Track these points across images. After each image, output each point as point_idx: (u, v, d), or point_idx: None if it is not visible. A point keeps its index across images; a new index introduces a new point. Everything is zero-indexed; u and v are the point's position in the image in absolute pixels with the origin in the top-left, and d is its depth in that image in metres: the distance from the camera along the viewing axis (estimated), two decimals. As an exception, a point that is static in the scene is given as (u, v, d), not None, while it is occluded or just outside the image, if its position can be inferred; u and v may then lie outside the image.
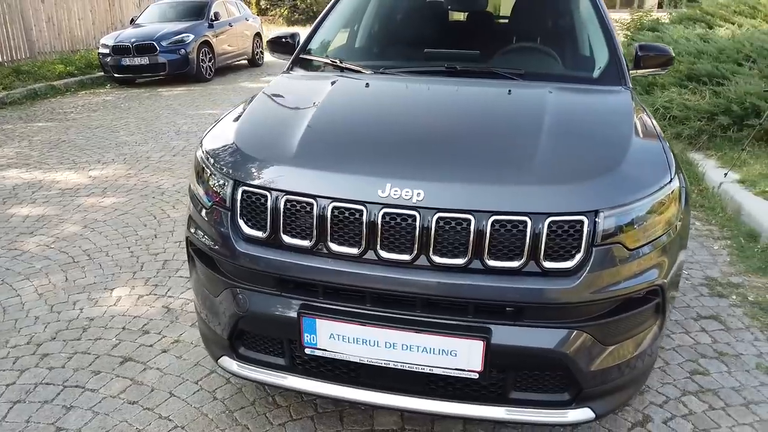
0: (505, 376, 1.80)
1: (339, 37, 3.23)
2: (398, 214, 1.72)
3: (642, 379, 2.00)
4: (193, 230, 2.09)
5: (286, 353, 1.97)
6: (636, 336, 1.84)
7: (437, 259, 1.71)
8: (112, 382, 2.51)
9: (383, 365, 1.79)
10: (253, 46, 13.99)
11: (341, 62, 2.80)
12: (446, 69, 2.66)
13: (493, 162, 1.87)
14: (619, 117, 2.20)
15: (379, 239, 1.73)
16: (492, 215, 1.68)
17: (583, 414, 1.85)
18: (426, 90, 2.51)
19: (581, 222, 1.68)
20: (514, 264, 1.69)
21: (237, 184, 1.90)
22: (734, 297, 3.26)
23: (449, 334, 1.71)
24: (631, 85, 2.61)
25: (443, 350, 1.73)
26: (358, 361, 1.81)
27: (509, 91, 2.39)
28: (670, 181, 1.87)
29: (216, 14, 12.46)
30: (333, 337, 1.79)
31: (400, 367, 1.78)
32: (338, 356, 1.82)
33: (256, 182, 1.87)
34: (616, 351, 1.81)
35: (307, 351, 1.85)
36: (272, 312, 1.87)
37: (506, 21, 3.34)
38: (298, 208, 1.81)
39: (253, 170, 1.91)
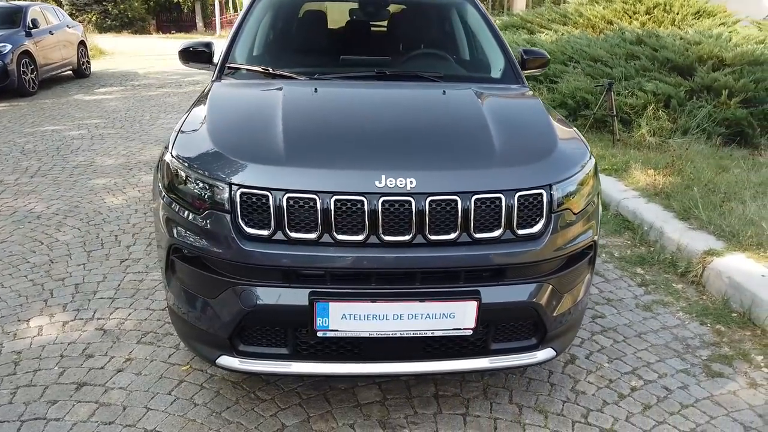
0: (488, 330, 2.13)
1: (251, 46, 3.34)
2: (396, 201, 1.97)
3: (580, 320, 2.46)
4: (180, 237, 2.12)
5: (289, 342, 2.11)
6: (578, 284, 2.29)
7: (432, 237, 1.99)
8: (76, 408, 2.41)
9: (390, 336, 2.02)
10: (78, 56, 12.92)
11: (273, 70, 2.94)
12: (376, 73, 2.94)
13: (465, 151, 2.19)
14: (536, 109, 2.65)
15: (380, 225, 1.96)
16: (474, 195, 2.00)
17: (547, 353, 2.25)
18: (373, 92, 2.77)
19: (541, 194, 2.07)
20: (495, 234, 2.03)
21: (234, 186, 2.00)
22: (604, 255, 3.96)
23: (447, 299, 2.00)
24: (527, 84, 3.11)
25: (443, 314, 2.01)
26: (367, 335, 2.02)
27: (444, 91, 2.73)
28: (590, 158, 2.34)
29: (34, 21, 11.32)
30: (345, 317, 1.98)
31: (406, 335, 2.03)
32: (349, 334, 2.01)
33: (254, 184, 1.99)
34: (568, 297, 2.24)
35: (319, 334, 2.01)
36: (282, 302, 2.01)
37: (407, 29, 3.68)
38: (301, 204, 1.97)
39: (248, 173, 2.02)
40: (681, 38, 6.81)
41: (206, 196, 2.05)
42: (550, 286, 2.14)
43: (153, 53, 20.30)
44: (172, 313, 2.33)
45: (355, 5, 3.73)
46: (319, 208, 1.96)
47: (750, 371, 2.72)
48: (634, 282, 3.61)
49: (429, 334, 2.04)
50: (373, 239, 1.98)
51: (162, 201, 2.24)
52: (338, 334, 2.02)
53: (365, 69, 3.04)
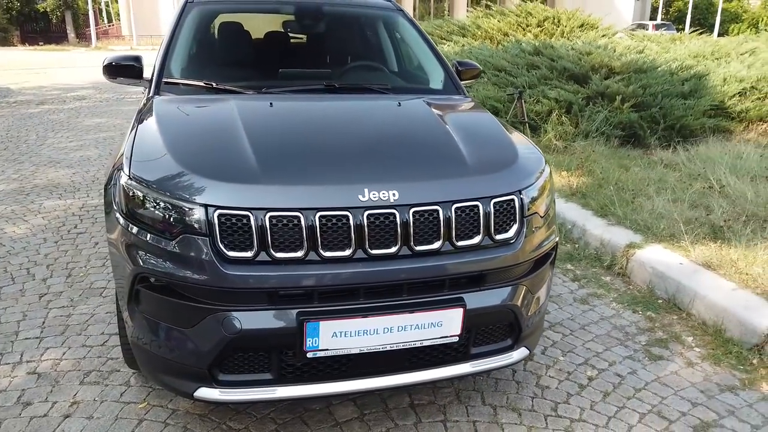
0: (469, 336, 2.18)
1: (184, 60, 3.19)
2: (381, 214, 1.96)
3: (543, 318, 2.57)
4: (148, 265, 1.98)
5: (272, 366, 2.03)
6: (544, 284, 2.40)
7: (417, 248, 2.01)
8: (25, 464, 2.17)
9: (380, 350, 2.01)
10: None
11: (217, 84, 2.83)
12: (326, 86, 2.91)
13: (438, 161, 2.23)
14: (489, 118, 2.75)
15: (366, 238, 1.95)
16: (453, 203, 2.05)
17: (522, 353, 2.33)
18: (330, 105, 2.73)
19: (513, 200, 2.16)
20: (475, 240, 2.08)
21: (209, 208, 1.90)
22: (535, 255, 4.17)
23: (435, 309, 2.02)
24: (468, 94, 3.22)
25: (432, 323, 2.02)
26: (358, 351, 1.99)
27: (399, 103, 2.76)
28: (546, 164, 2.47)
29: None
30: (335, 335, 1.94)
31: (396, 348, 2.02)
32: (340, 352, 1.97)
33: (232, 204, 1.90)
34: (537, 297, 2.34)
35: (309, 355, 1.96)
36: (268, 326, 1.93)
37: (342, 41, 3.68)
38: (285, 222, 1.91)
39: (224, 193, 1.93)
40: (572, 48, 7.35)
41: (177, 220, 1.93)
42: (525, 288, 2.22)
43: (23, 67, 18.73)
44: (137, 347, 2.16)
45: (290, 17, 3.68)
46: (303, 225, 1.91)
47: (685, 352, 2.98)
48: (567, 277, 3.83)
49: (418, 344, 2.05)
50: (359, 254, 1.96)
51: (120, 227, 2.08)
52: (328, 353, 1.97)
53: (310, 82, 3.00)
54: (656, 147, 6.25)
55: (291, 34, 3.68)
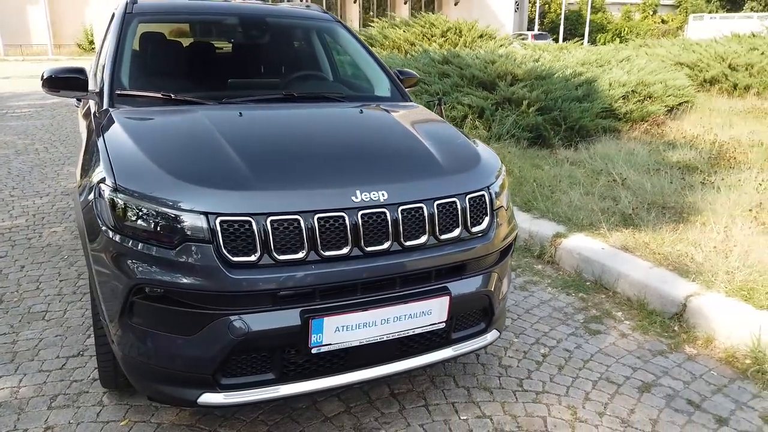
0: (451, 322, 2.36)
1: (130, 71, 3.13)
2: (373, 213, 2.10)
3: (506, 303, 2.82)
4: (146, 275, 1.98)
5: (274, 365, 2.10)
6: (508, 271, 2.64)
7: (407, 243, 2.16)
8: (11, 494, 2.07)
9: (378, 340, 2.14)
10: None
11: (175, 96, 2.82)
12: (284, 95, 3.00)
13: (414, 162, 2.40)
14: (443, 123, 2.97)
15: (361, 236, 2.08)
16: (435, 200, 2.23)
17: (494, 335, 2.56)
18: (297, 113, 2.82)
19: (484, 195, 2.38)
20: (455, 234, 2.27)
21: (210, 216, 1.95)
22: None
23: (425, 298, 2.19)
24: (413, 100, 3.43)
25: (422, 312, 2.19)
26: (358, 344, 2.11)
27: (361, 110, 2.90)
28: (501, 163, 2.72)
29: None
30: (338, 329, 2.05)
31: (390, 338, 2.16)
32: (342, 346, 2.09)
33: (234, 211, 1.96)
34: (504, 283, 2.57)
35: (314, 350, 2.05)
36: (274, 326, 2.00)
37: (284, 51, 3.75)
38: (285, 225, 2.00)
39: (223, 201, 1.98)
40: (477, 57, 7.84)
41: (176, 229, 1.96)
42: (496, 274, 2.45)
43: None
44: (129, 362, 2.13)
45: (235, 29, 3.70)
46: (303, 227, 2.01)
47: (617, 325, 3.35)
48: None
49: (410, 332, 2.20)
50: (355, 251, 2.09)
51: (107, 241, 2.06)
52: (331, 348, 2.08)
53: (265, 92, 3.07)
54: (559, 147, 6.83)
55: (234, 45, 3.71)
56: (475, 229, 2.33)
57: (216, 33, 3.76)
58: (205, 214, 1.95)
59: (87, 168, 2.40)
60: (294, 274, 2.00)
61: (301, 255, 2.01)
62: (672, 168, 5.82)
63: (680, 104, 9.33)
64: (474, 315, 2.48)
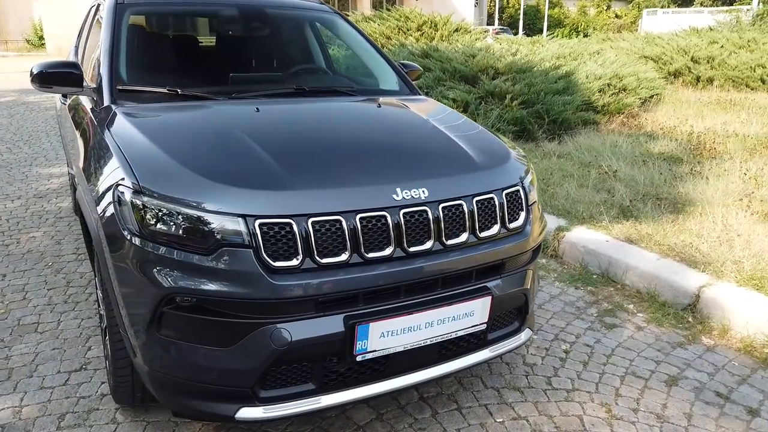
0: (491, 323, 2.28)
1: (127, 66, 2.94)
2: (415, 212, 2.00)
3: (532, 300, 2.76)
4: (179, 284, 1.83)
5: (315, 375, 1.98)
6: (536, 269, 2.58)
7: (448, 242, 2.07)
8: None
9: (421, 345, 2.04)
10: None
11: (180, 91, 2.65)
12: (295, 89, 2.86)
13: (448, 158, 2.30)
14: (463, 117, 2.88)
15: (404, 236, 1.98)
16: (474, 197, 2.14)
17: (527, 334, 2.49)
18: (316, 107, 2.68)
19: (518, 190, 2.30)
20: (494, 231, 2.19)
21: (249, 218, 1.81)
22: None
23: (467, 299, 2.10)
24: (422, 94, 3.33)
25: (466, 313, 2.10)
26: (402, 349, 2.01)
27: (378, 104, 2.78)
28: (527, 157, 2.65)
29: None
30: (383, 335, 1.95)
31: (435, 341, 2.07)
32: (386, 352, 1.98)
33: (274, 213, 1.83)
34: (536, 280, 2.51)
35: (359, 358, 1.94)
36: (317, 333, 1.88)
37: (282, 44, 3.60)
38: (327, 227, 1.88)
39: (261, 202, 1.85)
40: (456, 51, 7.79)
41: (212, 233, 1.82)
42: (531, 272, 2.38)
43: None
44: (156, 377, 1.97)
45: (233, 20, 3.52)
46: (345, 228, 1.89)
47: (631, 318, 3.34)
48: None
49: (453, 335, 2.11)
50: (398, 252, 1.98)
51: (134, 248, 1.90)
52: (376, 354, 1.97)
53: (275, 86, 2.93)
54: (543, 140, 6.84)
55: (232, 38, 3.53)
56: (512, 226, 2.25)
57: (213, 25, 3.57)
58: (243, 216, 1.82)
59: (95, 170, 2.23)
60: (338, 278, 1.88)
61: (344, 257, 1.89)
62: (657, 159, 5.89)
63: (651, 97, 9.50)
64: (509, 314, 2.41)
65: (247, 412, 1.92)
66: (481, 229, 2.16)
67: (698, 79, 12.71)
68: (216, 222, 1.82)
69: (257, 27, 3.52)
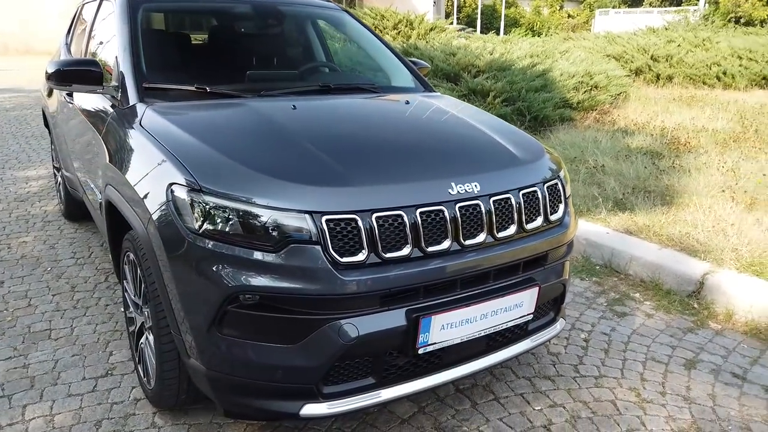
0: (534, 314, 2.33)
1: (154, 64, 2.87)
2: (469, 206, 2.04)
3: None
4: (247, 282, 1.81)
5: (375, 369, 2.00)
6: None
7: (499, 234, 2.12)
8: None
9: (476, 336, 2.08)
10: None
11: (209, 89, 2.61)
12: (321, 87, 2.85)
13: (490, 152, 2.35)
14: (486, 113, 2.92)
15: (460, 230, 2.01)
16: (520, 190, 2.19)
17: (562, 323, 2.56)
18: (350, 103, 2.69)
19: (557, 183, 2.37)
20: (538, 223, 2.25)
21: (315, 215, 1.82)
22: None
23: (518, 290, 2.15)
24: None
25: (516, 304, 2.15)
26: (459, 341, 2.04)
27: (407, 101, 2.81)
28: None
29: None
30: (444, 327, 1.98)
31: (489, 333, 2.11)
32: (446, 344, 2.01)
33: (339, 208, 1.84)
34: (570, 272, 2.58)
35: (420, 350, 1.96)
36: (382, 327, 1.90)
37: (293, 42, 3.58)
38: (390, 222, 1.89)
39: (326, 198, 1.86)
40: (436, 49, 7.86)
41: (280, 230, 1.81)
42: (568, 263, 2.45)
43: None
44: (215, 378, 1.95)
45: (247, 17, 3.48)
46: (407, 222, 1.91)
47: (639, 306, 3.46)
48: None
49: (503, 326, 2.16)
50: (454, 246, 2.02)
51: (194, 247, 1.87)
52: (436, 347, 2.00)
53: (299, 83, 2.92)
54: (526, 136, 6.98)
55: (245, 35, 3.49)
56: (553, 218, 2.32)
57: (227, 22, 3.51)
58: (310, 213, 1.82)
59: (133, 169, 2.18)
60: (401, 272, 1.90)
61: (406, 252, 1.92)
62: (639, 154, 6.09)
63: (619, 94, 9.80)
64: (547, 305, 2.47)
65: (311, 409, 1.92)
66: (527, 222, 2.21)
67: (658, 76, 13.17)
68: (282, 219, 1.81)
69: (272, 24, 3.49)
